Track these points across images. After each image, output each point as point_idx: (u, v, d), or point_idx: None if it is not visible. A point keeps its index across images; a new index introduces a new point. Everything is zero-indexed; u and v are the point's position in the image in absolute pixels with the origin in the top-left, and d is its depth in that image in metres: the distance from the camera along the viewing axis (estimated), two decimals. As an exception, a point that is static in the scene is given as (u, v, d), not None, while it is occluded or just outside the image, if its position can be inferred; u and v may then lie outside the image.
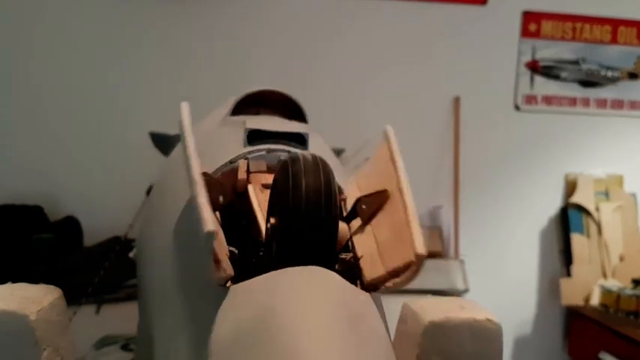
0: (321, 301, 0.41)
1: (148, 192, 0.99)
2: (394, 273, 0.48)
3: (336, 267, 0.53)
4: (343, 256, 0.56)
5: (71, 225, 2.12)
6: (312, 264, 0.45)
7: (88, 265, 1.68)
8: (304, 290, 0.42)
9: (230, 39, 2.43)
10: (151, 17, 2.36)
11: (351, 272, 0.53)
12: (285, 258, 0.47)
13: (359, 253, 0.55)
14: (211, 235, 0.39)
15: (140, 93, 2.37)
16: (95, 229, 2.11)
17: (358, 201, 0.56)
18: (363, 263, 0.53)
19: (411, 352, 0.56)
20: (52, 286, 0.61)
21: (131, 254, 0.82)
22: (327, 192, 0.49)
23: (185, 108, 0.53)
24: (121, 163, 2.31)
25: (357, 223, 0.58)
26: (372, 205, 0.54)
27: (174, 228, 0.57)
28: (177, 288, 0.49)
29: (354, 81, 2.52)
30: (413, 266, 0.45)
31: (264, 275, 0.43)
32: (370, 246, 0.55)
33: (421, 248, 0.44)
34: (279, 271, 0.43)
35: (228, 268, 0.44)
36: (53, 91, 2.32)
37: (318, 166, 0.50)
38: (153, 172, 0.98)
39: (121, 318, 1.60)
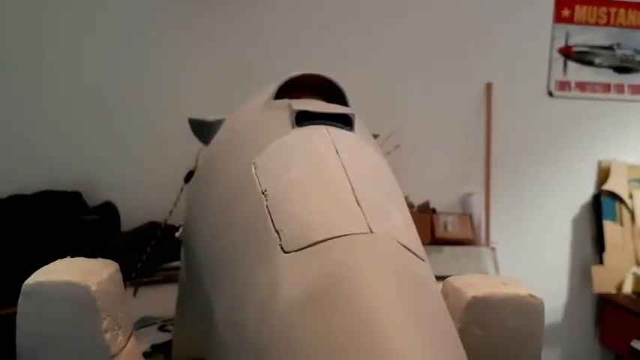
0: (385, 265, 0.43)
1: (187, 179, 0.98)
2: None
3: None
4: None
5: (109, 210, 2.16)
6: None
7: (126, 249, 1.72)
8: (369, 255, 0.43)
9: (259, 31, 2.44)
10: (186, 12, 2.39)
11: None
12: None
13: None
14: None
15: (176, 80, 2.40)
16: (131, 215, 2.16)
17: None
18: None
19: (453, 326, 0.57)
20: (109, 260, 0.63)
21: (177, 234, 0.84)
22: None
23: None
24: (156, 151, 2.35)
25: None
26: None
27: (230, 200, 0.58)
28: (237, 258, 0.51)
29: (385, 67, 2.51)
30: None
31: (330, 240, 0.44)
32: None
33: None
34: (343, 237, 0.45)
35: None
36: (91, 80, 2.35)
37: None
38: (189, 160, 0.98)
39: (158, 300, 1.64)
